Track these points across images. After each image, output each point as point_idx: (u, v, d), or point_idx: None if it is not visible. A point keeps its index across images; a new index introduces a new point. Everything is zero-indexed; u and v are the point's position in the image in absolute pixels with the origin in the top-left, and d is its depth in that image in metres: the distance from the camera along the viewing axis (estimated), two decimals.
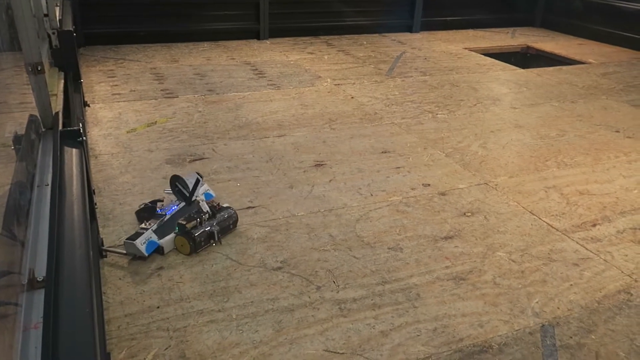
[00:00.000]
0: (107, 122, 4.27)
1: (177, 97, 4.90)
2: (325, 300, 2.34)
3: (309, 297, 2.35)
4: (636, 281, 2.54)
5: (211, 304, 2.28)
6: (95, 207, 2.83)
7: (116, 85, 5.19)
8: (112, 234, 2.77)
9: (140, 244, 2.49)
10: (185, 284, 2.41)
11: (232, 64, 6.08)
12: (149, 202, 2.87)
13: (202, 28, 7.15)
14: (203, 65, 5.99)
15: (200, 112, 4.55)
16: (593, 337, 2.18)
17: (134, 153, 3.72)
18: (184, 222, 2.62)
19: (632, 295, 2.44)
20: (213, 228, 2.67)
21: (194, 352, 2.02)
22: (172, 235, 2.64)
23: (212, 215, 2.73)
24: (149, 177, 3.38)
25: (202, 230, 2.62)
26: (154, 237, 2.56)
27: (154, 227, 2.60)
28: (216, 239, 2.67)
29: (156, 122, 4.31)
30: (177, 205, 2.79)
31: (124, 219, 2.91)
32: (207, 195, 3.00)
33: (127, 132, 4.09)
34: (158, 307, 2.26)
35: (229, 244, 2.71)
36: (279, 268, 2.54)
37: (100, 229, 2.76)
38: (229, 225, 2.78)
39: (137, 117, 4.38)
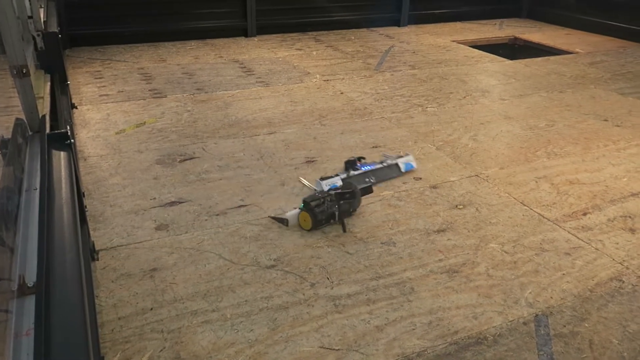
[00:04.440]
0: (95, 123, 4.24)
1: (166, 96, 4.87)
2: (320, 297, 2.34)
3: (304, 294, 2.35)
4: (627, 268, 2.56)
5: (205, 304, 2.28)
6: (85, 210, 2.81)
7: (103, 86, 5.14)
8: (104, 236, 2.75)
9: (325, 185, 3.10)
10: (179, 285, 2.40)
11: (220, 62, 6.05)
12: (355, 157, 3.49)
13: (190, 26, 7.10)
14: (191, 64, 5.96)
15: (189, 111, 4.52)
16: (586, 325, 2.20)
17: (124, 154, 3.69)
18: (309, 200, 2.78)
19: (623, 282, 2.46)
20: (334, 209, 2.81)
21: (189, 353, 2.02)
22: (296, 210, 2.85)
23: (339, 197, 2.88)
24: (139, 178, 3.36)
25: (323, 209, 2.78)
26: (338, 182, 3.15)
27: (343, 175, 3.23)
28: (336, 219, 2.82)
29: (145, 122, 4.28)
30: (372, 165, 3.36)
31: (115, 221, 2.89)
32: (408, 165, 3.45)
33: (116, 133, 4.06)
34: (152, 309, 2.24)
35: (222, 243, 2.70)
36: (273, 266, 2.54)
37: (92, 232, 2.74)
38: (349, 209, 2.90)
39: (126, 118, 4.35)
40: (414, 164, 3.47)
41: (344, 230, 2.78)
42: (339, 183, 3.09)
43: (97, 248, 2.63)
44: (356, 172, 3.29)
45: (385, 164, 3.40)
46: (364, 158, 3.47)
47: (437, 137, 4.05)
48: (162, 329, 2.13)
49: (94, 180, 3.31)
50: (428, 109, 4.66)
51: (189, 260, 2.57)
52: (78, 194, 2.59)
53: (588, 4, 7.98)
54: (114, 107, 4.58)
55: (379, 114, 4.51)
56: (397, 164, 3.41)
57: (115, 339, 2.08)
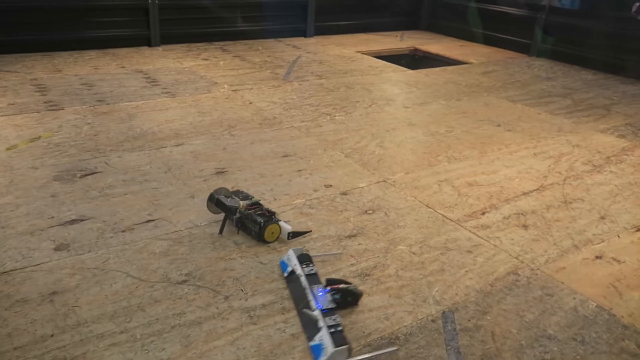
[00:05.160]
0: None
1: (63, 109, 4.60)
2: (234, 309, 2.30)
3: (217, 308, 2.30)
4: (522, 262, 2.76)
5: (112, 326, 2.16)
6: None
7: None
8: None
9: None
10: (82, 308, 2.26)
11: (122, 73, 5.81)
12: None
13: (88, 35, 6.76)
14: (90, 74, 5.67)
15: (89, 124, 4.30)
16: (488, 317, 2.34)
17: (16, 171, 3.43)
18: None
19: (519, 275, 2.65)
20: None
21: None
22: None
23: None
24: (34, 196, 3.14)
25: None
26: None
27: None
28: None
29: (40, 137, 4.01)
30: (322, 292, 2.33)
31: (7, 243, 2.67)
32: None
33: (7, 149, 3.77)
34: (52, 336, 2.10)
35: (129, 261, 2.59)
36: (184, 281, 2.47)
37: None
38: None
39: (18, 133, 4.05)
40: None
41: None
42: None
43: None
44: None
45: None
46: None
47: (346, 145, 4.15)
48: (65, 356, 2.00)
49: None
50: (336, 117, 4.76)
51: (93, 281, 2.43)
52: None
53: (480, 18, 8.57)
54: (3, 121, 4.25)
55: (289, 123, 4.54)
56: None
57: None
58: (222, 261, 2.63)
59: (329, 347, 2.01)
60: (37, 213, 2.96)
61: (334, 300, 2.27)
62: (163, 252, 2.68)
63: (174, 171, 3.56)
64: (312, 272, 2.48)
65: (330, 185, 3.47)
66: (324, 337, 2.07)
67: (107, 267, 2.54)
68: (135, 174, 3.48)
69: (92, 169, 3.53)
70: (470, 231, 3.03)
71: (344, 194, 3.38)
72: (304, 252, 2.61)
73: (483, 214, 3.23)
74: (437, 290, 2.50)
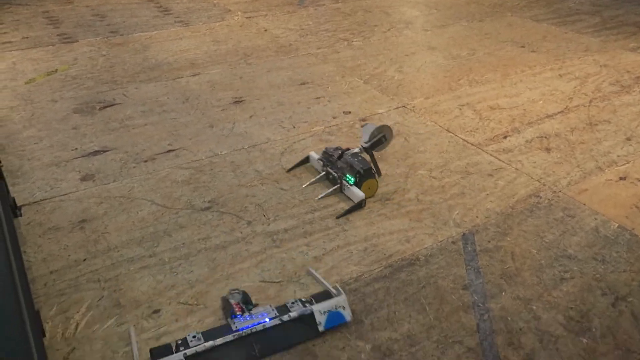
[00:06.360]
0: (1, 74, 3.91)
1: (77, 41, 4.55)
2: (257, 234, 2.36)
3: (241, 233, 2.36)
4: (544, 185, 2.74)
5: (141, 251, 2.24)
6: (0, 165, 2.63)
7: (5, 32, 4.72)
8: (24, 191, 2.61)
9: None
10: (112, 234, 2.33)
11: (133, 2, 5.68)
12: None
13: None
14: (101, 5, 5.56)
15: (104, 55, 4.26)
16: (508, 239, 2.36)
17: (36, 105, 3.45)
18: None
19: (540, 198, 2.64)
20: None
21: (129, 300, 2.00)
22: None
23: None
24: (56, 128, 3.17)
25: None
26: None
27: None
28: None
29: (57, 70, 3.99)
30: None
31: (35, 175, 2.73)
32: (333, 318, 1.90)
33: (26, 83, 3.77)
34: (85, 260, 2.18)
35: (152, 189, 2.64)
36: (208, 208, 2.52)
37: (10, 188, 2.58)
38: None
39: (35, 66, 4.04)
40: (346, 313, 1.91)
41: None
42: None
43: (18, 204, 2.49)
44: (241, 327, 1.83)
45: (290, 316, 1.87)
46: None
47: (364, 71, 4.06)
48: (99, 279, 2.09)
49: (7, 134, 3.10)
50: (354, 42, 4.64)
51: (120, 209, 2.50)
52: None
53: None
54: (19, 55, 4.24)
55: (305, 50, 4.44)
56: (312, 314, 1.87)
57: (49, 293, 2.02)
58: (243, 188, 2.66)
59: None
60: (60, 145, 3.00)
61: None
62: (185, 180, 2.72)
63: (192, 101, 3.54)
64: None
65: (349, 112, 3.44)
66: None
67: (132, 195, 2.59)
68: (154, 105, 3.48)
69: (111, 101, 3.53)
70: (491, 155, 3.00)
71: (363, 120, 3.34)
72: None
73: (505, 137, 3.18)
74: (457, 214, 2.52)
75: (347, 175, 2.58)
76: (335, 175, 2.62)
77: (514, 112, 3.48)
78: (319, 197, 2.58)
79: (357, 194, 2.53)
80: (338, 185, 2.61)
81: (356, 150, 2.70)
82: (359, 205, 2.52)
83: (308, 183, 2.67)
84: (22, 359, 1.20)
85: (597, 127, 3.30)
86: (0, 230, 1.45)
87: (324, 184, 2.68)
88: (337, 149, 2.71)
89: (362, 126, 2.62)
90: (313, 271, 2.01)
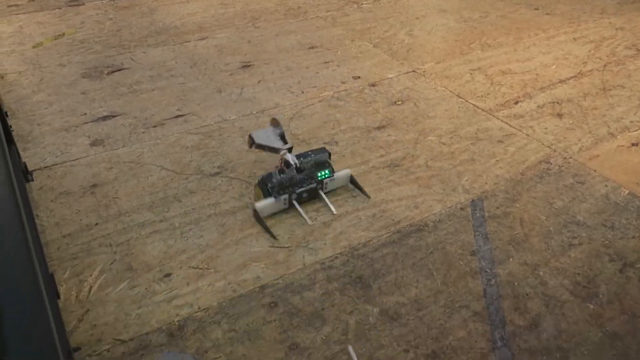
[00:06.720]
0: (8, 37, 3.89)
1: (84, 4, 4.49)
2: None
3: (250, 198, 2.37)
4: (555, 151, 2.72)
5: (152, 215, 2.26)
6: (11, 130, 2.65)
7: None
8: (35, 156, 2.63)
9: None
10: (122, 199, 2.36)
11: None
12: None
13: None
14: None
15: (111, 19, 4.21)
16: (517, 205, 2.36)
17: (45, 69, 3.44)
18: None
19: (551, 164, 2.63)
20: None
21: (140, 263, 2.03)
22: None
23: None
24: (65, 93, 3.17)
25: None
26: None
27: None
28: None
29: (64, 33, 3.96)
30: None
31: (45, 139, 2.75)
32: None
33: (33, 47, 3.75)
34: (97, 224, 2.21)
35: (162, 155, 2.65)
36: (217, 173, 2.53)
37: (22, 153, 2.61)
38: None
39: (42, 30, 4.01)
40: None
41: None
42: None
43: (30, 168, 2.51)
44: None
45: None
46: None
47: (374, 34, 3.99)
48: (110, 243, 2.12)
49: (16, 99, 3.10)
50: (363, 5, 4.54)
51: (130, 174, 2.51)
52: (0, 113, 2.43)
53: None
54: (26, 19, 4.20)
55: (314, 13, 4.37)
56: None
57: (62, 256, 2.05)
58: (252, 154, 2.66)
59: None
60: (69, 110, 3.01)
61: None
62: (194, 145, 2.72)
63: (200, 66, 3.51)
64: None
65: (359, 77, 3.40)
66: None
67: (141, 160, 2.60)
68: (161, 70, 3.46)
69: (119, 66, 3.51)
70: (502, 121, 2.97)
71: (373, 85, 3.31)
72: None
73: (516, 103, 3.14)
74: (466, 180, 2.51)
75: (321, 172, 2.33)
76: (313, 187, 2.32)
77: (526, 77, 3.42)
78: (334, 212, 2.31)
79: (344, 175, 2.39)
80: (320, 190, 2.35)
81: (293, 154, 2.37)
82: (356, 183, 2.42)
83: (304, 216, 2.28)
84: (38, 321, 1.23)
85: (610, 92, 3.24)
86: (13, 195, 1.46)
87: (307, 204, 2.32)
88: (271, 174, 2.27)
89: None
90: (351, 350, 1.75)
